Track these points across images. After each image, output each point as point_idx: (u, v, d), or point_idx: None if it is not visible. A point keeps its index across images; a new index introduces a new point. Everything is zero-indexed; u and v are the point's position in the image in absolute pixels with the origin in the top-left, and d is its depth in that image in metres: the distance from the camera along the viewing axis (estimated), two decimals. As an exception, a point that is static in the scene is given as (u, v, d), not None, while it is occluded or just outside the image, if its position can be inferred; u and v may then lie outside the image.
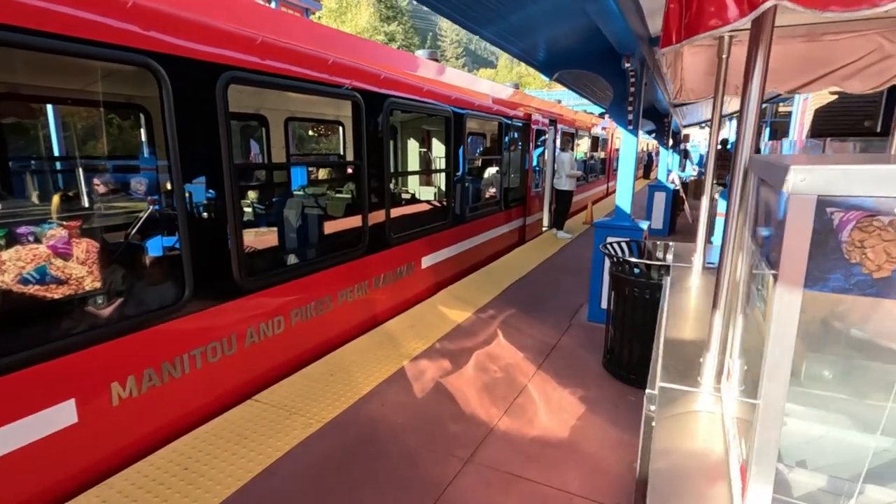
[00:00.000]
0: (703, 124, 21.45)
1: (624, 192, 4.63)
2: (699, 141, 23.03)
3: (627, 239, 4.47)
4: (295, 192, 6.58)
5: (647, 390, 1.29)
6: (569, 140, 9.12)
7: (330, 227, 5.11)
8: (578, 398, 3.33)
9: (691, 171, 15.09)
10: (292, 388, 3.41)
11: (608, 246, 3.72)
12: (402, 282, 5.15)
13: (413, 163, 9.06)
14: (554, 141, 9.98)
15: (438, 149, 10.29)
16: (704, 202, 2.35)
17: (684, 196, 11.08)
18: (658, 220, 9.40)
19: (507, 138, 7.76)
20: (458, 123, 6.00)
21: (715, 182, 9.29)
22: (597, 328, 4.61)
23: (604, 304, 4.72)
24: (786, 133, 17.44)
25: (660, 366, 1.39)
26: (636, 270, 3.41)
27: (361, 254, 4.45)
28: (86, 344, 2.47)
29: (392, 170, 4.82)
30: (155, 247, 3.66)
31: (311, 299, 3.90)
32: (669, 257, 3.72)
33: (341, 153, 8.70)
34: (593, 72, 4.52)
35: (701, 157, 15.70)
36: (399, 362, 3.85)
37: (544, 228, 10.04)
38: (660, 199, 9.41)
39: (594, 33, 3.97)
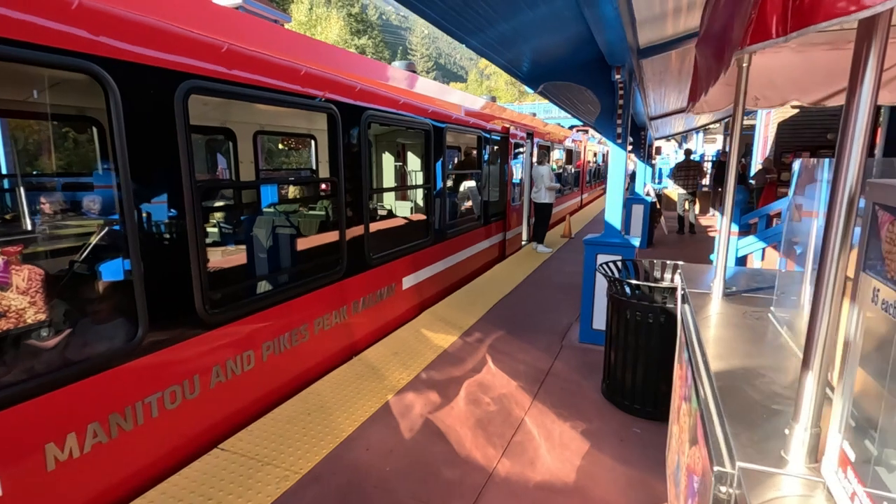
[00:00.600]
0: (670, 137, 21.95)
1: (613, 207, 4.47)
2: (668, 153, 23.54)
3: (620, 257, 4.30)
4: (266, 211, 6.16)
5: (717, 468, 1.04)
6: (546, 153, 9.02)
7: (305, 249, 4.77)
8: (581, 433, 3.08)
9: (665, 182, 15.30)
10: (264, 433, 3.04)
11: (605, 267, 3.52)
12: (383, 304, 4.83)
13: (389, 178, 8.78)
14: (531, 154, 9.89)
15: (414, 163, 10.06)
16: (724, 221, 2.15)
17: (660, 208, 11.14)
18: (637, 233, 9.36)
19: (486, 152, 7.58)
20: (437, 137, 5.77)
21: (687, 192, 9.32)
22: (590, 350, 4.40)
23: (596, 325, 4.53)
24: (749, 146, 17.97)
25: (722, 432, 1.14)
26: (636, 291, 3.21)
27: (340, 277, 4.12)
28: (17, 398, 2.08)
29: (371, 186, 4.52)
30: (104, 276, 3.25)
31: (284, 329, 3.55)
32: (668, 276, 3.54)
33: (314, 168, 8.35)
34: (580, 84, 4.37)
35: (670, 170, 16.01)
36: (383, 397, 3.53)
37: (524, 242, 9.88)
38: (638, 211, 9.39)
39: (584, 43, 3.81)
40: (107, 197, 4.67)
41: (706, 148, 21.18)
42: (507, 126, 8.37)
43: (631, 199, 9.61)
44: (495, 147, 8.04)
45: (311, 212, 5.98)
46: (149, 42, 2.49)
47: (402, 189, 8.94)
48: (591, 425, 3.16)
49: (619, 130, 4.25)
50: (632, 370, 3.21)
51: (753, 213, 3.51)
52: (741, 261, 3.27)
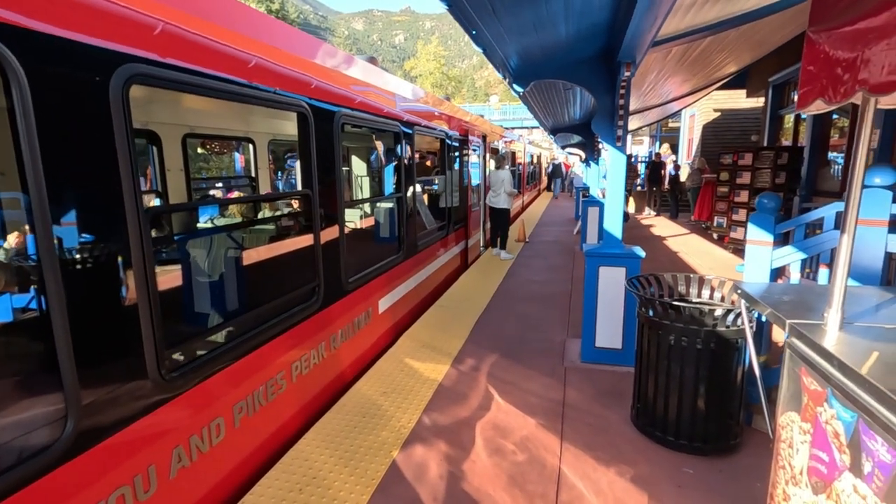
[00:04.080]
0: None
1: (613, 216, 4.16)
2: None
3: (625, 269, 4.00)
4: (227, 238, 5.12)
5: None
6: (504, 157, 8.71)
7: (276, 279, 4.00)
8: (631, 480, 2.67)
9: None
10: (248, 527, 2.33)
11: (633, 284, 3.16)
12: (361, 333, 4.18)
13: (356, 187, 8.04)
14: (484, 156, 9.55)
15: (361, 167, 9.34)
16: (845, 242, 1.80)
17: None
18: (593, 235, 9.32)
19: (448, 155, 7.10)
20: (407, 140, 5.20)
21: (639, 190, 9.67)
22: (597, 371, 4.05)
23: (599, 343, 4.19)
24: (675, 147, 19.03)
25: None
26: (683, 313, 2.86)
27: (317, 309, 3.43)
28: None
29: (345, 198, 3.85)
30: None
31: (259, 383, 2.83)
32: (706, 292, 3.25)
33: (253, 175, 7.41)
34: (576, 83, 4.01)
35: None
36: (387, 454, 2.92)
37: (482, 249, 9.51)
38: (594, 213, 9.33)
39: (591, 38, 3.45)
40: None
41: (635, 149, 22.22)
42: (466, 127, 7.94)
43: (587, 201, 9.57)
44: (456, 150, 7.58)
45: (276, 233, 5.11)
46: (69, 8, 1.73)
47: (376, 200, 8.19)
48: (639, 469, 2.76)
49: (619, 133, 3.93)
50: (676, 400, 2.86)
51: (791, 222, 3.34)
52: (774, 274, 3.05)
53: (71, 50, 1.73)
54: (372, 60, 5.20)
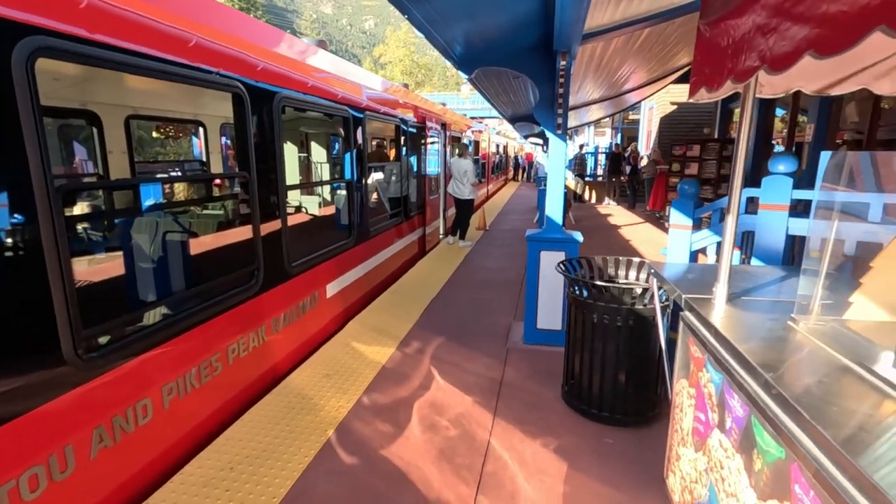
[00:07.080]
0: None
1: (554, 202, 4.29)
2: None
3: (564, 253, 4.14)
4: (149, 215, 5.04)
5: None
6: (467, 146, 8.77)
7: (209, 262, 3.95)
8: (554, 451, 2.81)
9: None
10: (174, 505, 2.35)
11: (563, 266, 3.29)
12: (306, 317, 4.20)
13: (299, 171, 7.93)
14: (444, 144, 9.59)
15: (321, 154, 9.24)
16: (730, 221, 1.95)
17: (571, 199, 11.53)
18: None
19: (404, 142, 7.10)
20: (357, 126, 5.18)
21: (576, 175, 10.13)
22: (538, 352, 4.20)
23: (540, 325, 4.34)
24: (635, 138, 19.52)
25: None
26: (604, 292, 3.01)
27: (256, 292, 3.43)
28: None
29: (286, 182, 3.83)
30: None
31: (190, 364, 2.82)
32: (622, 272, 3.41)
33: (204, 160, 7.22)
34: (518, 70, 4.09)
35: (570, 161, 16.96)
36: (322, 434, 2.97)
37: (441, 237, 9.59)
38: (551, 202, 9.52)
39: (528, 27, 3.53)
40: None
41: (598, 140, 22.65)
42: (423, 115, 7.95)
43: (544, 190, 9.75)
44: (413, 138, 7.59)
45: (211, 215, 5.04)
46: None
47: (323, 184, 8.11)
48: (563, 440, 2.91)
49: (560, 120, 4.05)
50: (599, 376, 3.02)
51: (707, 207, 3.53)
52: (693, 255, 3.23)
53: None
54: (321, 44, 5.15)
